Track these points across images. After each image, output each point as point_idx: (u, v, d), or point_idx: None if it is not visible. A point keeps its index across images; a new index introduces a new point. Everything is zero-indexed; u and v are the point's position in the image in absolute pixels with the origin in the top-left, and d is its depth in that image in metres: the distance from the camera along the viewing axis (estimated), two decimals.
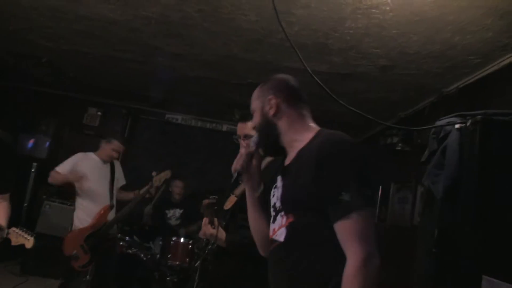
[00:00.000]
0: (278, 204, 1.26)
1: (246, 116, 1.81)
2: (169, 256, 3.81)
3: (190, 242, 3.87)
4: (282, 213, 1.23)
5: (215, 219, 2.02)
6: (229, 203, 2.93)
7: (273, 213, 1.29)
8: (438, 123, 2.23)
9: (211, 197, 3.62)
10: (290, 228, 1.19)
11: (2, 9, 3.02)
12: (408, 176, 3.55)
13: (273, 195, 1.32)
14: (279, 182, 1.30)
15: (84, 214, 3.38)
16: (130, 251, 3.93)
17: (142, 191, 3.59)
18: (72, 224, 3.38)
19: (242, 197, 2.81)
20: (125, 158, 5.56)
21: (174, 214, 4.64)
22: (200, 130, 5.75)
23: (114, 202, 3.56)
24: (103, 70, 4.19)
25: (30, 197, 4.96)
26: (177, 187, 4.68)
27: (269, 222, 1.31)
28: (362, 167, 1.12)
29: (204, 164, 5.69)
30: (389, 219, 3.87)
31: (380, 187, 4.18)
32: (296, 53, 2.02)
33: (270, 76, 1.41)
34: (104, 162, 3.56)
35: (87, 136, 5.28)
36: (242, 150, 1.35)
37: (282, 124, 1.30)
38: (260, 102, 1.35)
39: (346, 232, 1.07)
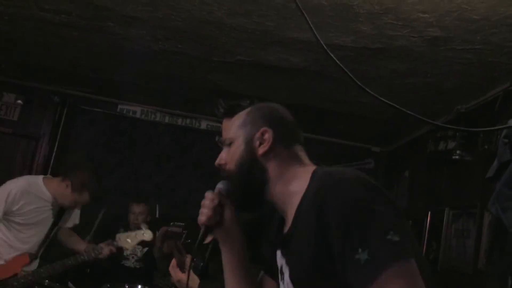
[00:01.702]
0: None
1: (234, 109, 1.81)
2: None
3: None
4: None
5: (187, 258, 2.01)
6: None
7: None
8: None
9: (172, 223, 3.51)
10: None
11: None
12: (471, 199, 3.56)
13: (281, 279, 1.34)
14: (280, 259, 1.33)
15: None
16: None
17: (97, 250, 3.56)
18: None
19: None
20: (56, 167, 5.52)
21: (134, 252, 4.59)
22: (169, 128, 5.76)
23: (40, 252, 3.56)
24: (26, 39, 4.16)
25: None
26: (133, 214, 4.62)
27: None
28: (380, 205, 1.10)
29: (174, 177, 5.71)
30: (442, 260, 3.88)
31: (429, 213, 4.18)
32: (304, 17, 2.02)
33: (260, 103, 1.46)
34: (56, 203, 3.56)
35: (1, 136, 5.20)
36: (207, 202, 1.39)
37: (272, 169, 1.33)
38: (247, 131, 1.37)
39: None
